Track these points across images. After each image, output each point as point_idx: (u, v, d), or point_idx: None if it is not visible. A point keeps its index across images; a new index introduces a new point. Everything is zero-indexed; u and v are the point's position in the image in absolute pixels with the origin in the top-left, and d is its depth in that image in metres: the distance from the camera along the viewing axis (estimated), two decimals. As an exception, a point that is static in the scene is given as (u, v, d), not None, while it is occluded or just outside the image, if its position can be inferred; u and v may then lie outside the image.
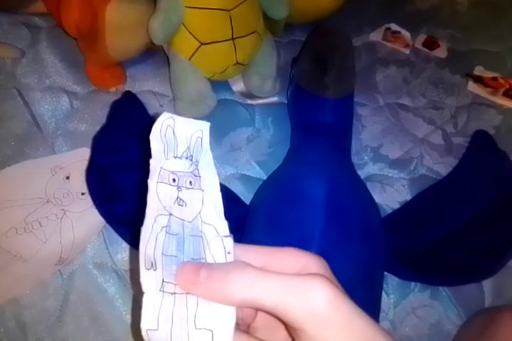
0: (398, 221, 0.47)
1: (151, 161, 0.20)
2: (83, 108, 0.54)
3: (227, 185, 0.49)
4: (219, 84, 0.57)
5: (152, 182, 0.20)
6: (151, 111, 0.53)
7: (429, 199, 0.49)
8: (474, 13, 0.75)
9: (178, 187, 0.21)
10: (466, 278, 0.44)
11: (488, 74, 0.64)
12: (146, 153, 0.46)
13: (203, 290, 0.18)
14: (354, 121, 0.55)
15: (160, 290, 0.18)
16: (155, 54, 0.59)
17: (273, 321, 0.21)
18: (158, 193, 0.20)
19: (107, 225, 0.45)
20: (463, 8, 0.76)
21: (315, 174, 0.41)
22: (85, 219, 0.46)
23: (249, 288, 0.18)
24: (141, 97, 0.55)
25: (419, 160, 0.54)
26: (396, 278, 0.45)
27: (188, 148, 0.21)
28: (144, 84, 0.58)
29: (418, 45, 0.68)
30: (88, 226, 0.46)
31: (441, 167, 0.53)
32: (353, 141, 0.53)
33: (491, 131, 0.57)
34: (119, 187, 0.45)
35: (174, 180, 0.21)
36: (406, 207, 0.48)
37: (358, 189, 0.44)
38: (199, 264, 0.19)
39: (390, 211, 0.49)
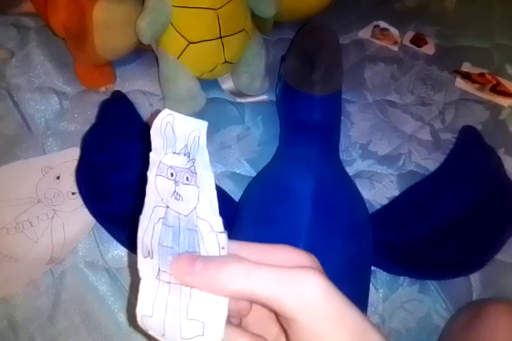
0: (387, 216, 0.47)
1: (151, 154, 0.21)
2: (73, 108, 0.54)
3: (218, 183, 0.49)
4: (208, 83, 0.57)
5: (151, 175, 0.21)
6: (140, 111, 0.54)
7: (418, 194, 0.50)
8: (462, 10, 0.75)
9: (176, 182, 0.21)
10: (454, 272, 0.45)
11: (476, 71, 0.65)
12: (136, 152, 0.46)
13: (198, 280, 0.18)
14: (343, 118, 0.55)
15: (156, 278, 0.19)
16: (144, 53, 0.59)
17: (265, 317, 0.21)
18: (157, 185, 0.21)
19: (98, 224, 0.45)
20: (450, 5, 0.77)
21: (302, 170, 0.41)
22: (76, 218, 0.46)
23: (244, 279, 0.18)
24: (130, 97, 0.55)
25: (408, 156, 0.55)
26: (385, 273, 0.45)
27: (186, 145, 0.22)
28: (133, 84, 0.58)
29: (406, 42, 0.68)
30: (79, 226, 0.46)
31: (430, 163, 0.54)
32: (342, 138, 0.54)
33: (479, 127, 0.57)
34: (109, 186, 0.45)
35: (172, 175, 0.21)
36: (394, 202, 0.49)
37: (345, 184, 0.44)
38: (194, 256, 0.19)
39: (378, 207, 0.50)
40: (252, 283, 0.18)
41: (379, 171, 0.53)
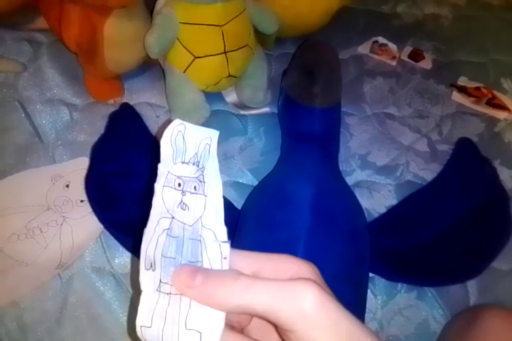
0: (385, 224, 0.49)
1: (159, 166, 0.21)
2: (82, 119, 0.56)
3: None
4: (213, 96, 0.59)
5: (158, 186, 0.21)
6: (147, 122, 0.56)
7: (415, 203, 0.51)
8: (458, 27, 0.78)
9: (183, 192, 0.21)
10: (451, 279, 0.46)
11: (472, 85, 0.67)
12: (142, 162, 0.48)
13: (197, 295, 0.19)
14: (342, 130, 0.57)
15: (157, 290, 0.20)
16: (151, 67, 0.62)
17: (266, 324, 0.22)
18: (163, 197, 0.21)
19: (105, 231, 0.47)
20: (447, 21, 0.79)
21: (302, 178, 0.43)
22: (84, 225, 0.48)
23: (241, 295, 0.18)
24: (138, 109, 0.57)
25: (405, 167, 0.56)
26: (383, 280, 0.46)
27: (196, 154, 0.22)
28: (141, 96, 0.60)
29: (404, 57, 0.71)
30: (87, 232, 0.47)
31: (427, 173, 0.56)
32: (342, 149, 0.56)
33: (475, 139, 0.59)
34: (117, 194, 0.47)
35: (180, 185, 0.21)
36: (392, 211, 0.50)
37: (344, 193, 0.46)
38: (195, 268, 0.20)
39: (377, 215, 0.51)
40: (250, 298, 0.18)
41: (377, 181, 0.55)
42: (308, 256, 0.37)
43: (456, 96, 0.65)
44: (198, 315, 0.19)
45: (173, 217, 0.21)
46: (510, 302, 0.45)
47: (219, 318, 0.19)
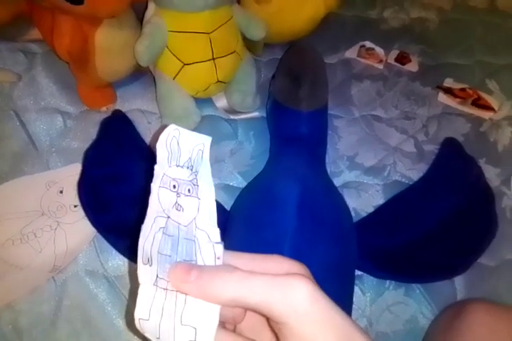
0: (372, 223, 0.50)
1: (156, 167, 0.22)
2: (76, 127, 0.58)
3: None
4: (203, 101, 0.61)
5: (155, 186, 0.22)
6: (139, 128, 0.57)
7: (402, 202, 0.52)
8: (444, 30, 0.80)
9: (178, 194, 0.22)
10: (438, 276, 0.47)
11: (457, 86, 0.68)
12: (133, 166, 0.49)
13: (193, 289, 0.20)
14: (331, 132, 0.59)
15: (154, 284, 0.20)
16: (143, 75, 0.63)
17: (259, 323, 0.23)
18: (159, 197, 0.22)
19: (98, 235, 0.48)
20: (433, 25, 0.81)
21: (289, 179, 0.44)
22: (78, 229, 0.49)
23: (235, 288, 0.19)
24: (130, 115, 0.58)
25: (393, 167, 0.57)
26: (371, 277, 0.47)
27: (190, 158, 0.22)
28: (133, 103, 0.62)
29: (391, 60, 0.72)
30: (80, 236, 0.48)
31: (414, 173, 0.57)
32: (330, 151, 0.57)
33: (460, 139, 0.60)
34: (109, 198, 0.48)
35: (174, 187, 0.22)
36: (380, 210, 0.51)
37: (330, 193, 0.47)
38: (190, 265, 0.20)
39: (365, 215, 0.52)
40: (244, 290, 0.19)
41: (365, 181, 0.56)
42: (294, 255, 0.38)
43: (442, 98, 0.67)
44: (193, 311, 0.20)
45: (168, 217, 0.22)
46: (497, 298, 0.46)
47: (213, 314, 0.20)
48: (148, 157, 0.52)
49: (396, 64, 0.72)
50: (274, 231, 0.40)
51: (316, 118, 0.52)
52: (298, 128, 0.51)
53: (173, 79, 0.56)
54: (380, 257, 0.46)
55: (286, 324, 0.19)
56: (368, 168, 0.57)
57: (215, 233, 0.22)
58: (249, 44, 0.63)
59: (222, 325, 0.22)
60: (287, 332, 0.19)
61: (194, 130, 0.22)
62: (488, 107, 0.66)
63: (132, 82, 0.64)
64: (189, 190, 0.22)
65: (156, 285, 0.20)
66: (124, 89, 0.63)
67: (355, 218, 0.51)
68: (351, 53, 0.73)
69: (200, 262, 0.21)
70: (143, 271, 0.20)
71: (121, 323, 0.44)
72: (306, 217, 0.41)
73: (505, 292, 0.48)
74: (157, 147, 0.22)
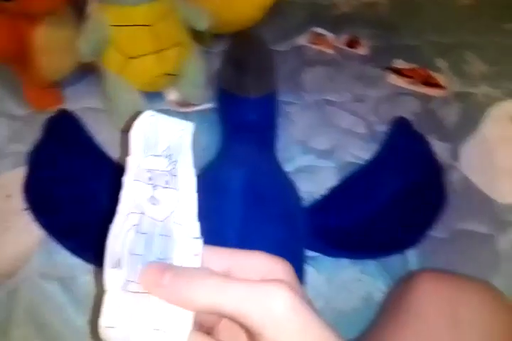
0: (326, 204, 0.50)
1: (129, 159, 0.20)
2: (23, 130, 0.57)
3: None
4: (154, 95, 0.60)
5: (127, 180, 0.20)
6: (90, 127, 0.56)
7: (355, 182, 0.53)
8: (393, 13, 0.81)
9: (154, 186, 0.20)
10: (391, 250, 0.48)
11: (407, 66, 0.70)
12: (83, 166, 0.49)
13: (165, 293, 0.18)
14: (283, 118, 0.59)
15: (123, 289, 0.19)
16: (92, 73, 0.62)
17: (237, 325, 0.21)
18: (133, 191, 0.20)
19: (49, 236, 0.47)
20: (383, 8, 0.82)
21: (235, 166, 0.44)
22: (28, 232, 0.48)
23: (209, 295, 0.18)
24: (80, 114, 0.57)
25: (346, 149, 0.58)
26: (327, 257, 0.48)
27: (169, 147, 0.21)
28: (82, 102, 0.61)
29: (341, 45, 0.73)
30: (31, 240, 0.47)
31: (366, 153, 0.58)
32: (283, 137, 0.57)
33: (411, 117, 0.61)
34: (58, 200, 0.47)
35: (150, 178, 0.20)
36: (332, 191, 0.52)
37: (278, 177, 0.47)
38: (164, 266, 0.19)
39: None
40: (220, 299, 0.18)
41: (319, 165, 0.56)
42: (242, 240, 0.39)
43: (392, 79, 0.68)
44: (166, 315, 0.19)
45: (142, 212, 0.20)
46: (449, 270, 0.47)
47: (187, 319, 0.19)
48: (98, 156, 0.52)
49: (347, 48, 0.73)
50: (223, 218, 0.40)
51: (263, 105, 0.52)
52: (246, 115, 0.51)
53: (118, 74, 0.55)
54: (335, 237, 0.47)
55: (263, 334, 0.18)
56: (321, 151, 0.58)
57: (195, 227, 0.20)
58: (197, 35, 0.62)
59: (198, 326, 0.21)
60: (265, 338, 0.18)
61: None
62: (437, 85, 0.67)
63: (81, 80, 0.63)
64: (167, 182, 0.21)
65: (126, 290, 0.19)
66: (72, 88, 0.62)
67: (311, 201, 0.51)
68: (303, 40, 0.74)
69: (176, 260, 0.20)
70: (110, 275, 0.19)
71: (79, 325, 0.44)
72: (252, 202, 0.41)
73: (458, 263, 0.49)
74: (131, 136, 0.21)
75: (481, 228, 0.52)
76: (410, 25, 0.79)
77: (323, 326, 0.18)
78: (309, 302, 0.19)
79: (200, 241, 0.20)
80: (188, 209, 0.21)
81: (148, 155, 0.21)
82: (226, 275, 0.19)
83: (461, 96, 0.66)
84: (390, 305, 0.41)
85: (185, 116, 0.60)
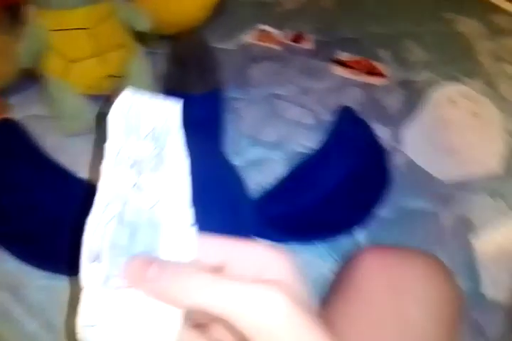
0: (275, 194, 0.52)
1: (107, 145, 0.19)
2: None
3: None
4: (100, 98, 0.60)
5: (106, 167, 0.18)
6: (38, 135, 0.56)
7: (303, 170, 0.54)
8: (337, 8, 0.83)
9: (138, 172, 0.19)
10: (338, 230, 0.50)
11: (351, 58, 0.72)
12: (27, 174, 0.48)
13: (149, 289, 0.17)
14: (232, 114, 0.60)
15: (104, 285, 0.17)
16: (38, 80, 0.62)
17: None
18: (113, 179, 0.18)
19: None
20: (326, 4, 0.84)
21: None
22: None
23: (197, 295, 0.16)
24: (27, 122, 0.57)
25: (294, 140, 0.60)
26: (279, 243, 0.49)
27: (154, 129, 0.19)
28: (29, 110, 0.60)
29: (287, 41, 0.75)
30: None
31: (314, 143, 0.59)
32: (232, 131, 0.58)
33: (356, 106, 0.64)
34: (5, 209, 0.47)
35: (133, 165, 0.19)
36: (281, 181, 0.53)
37: (222, 171, 0.49)
38: (150, 259, 0.18)
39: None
40: (208, 298, 0.16)
41: (268, 156, 0.58)
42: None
43: (337, 70, 0.70)
44: (152, 312, 0.17)
45: (125, 201, 0.18)
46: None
47: (176, 316, 0.17)
48: (44, 164, 0.52)
49: (292, 44, 0.74)
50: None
51: (207, 101, 0.53)
52: (190, 112, 0.51)
53: (60, 78, 0.55)
54: (284, 223, 0.48)
55: (253, 339, 0.16)
56: (269, 143, 0.59)
57: (187, 215, 0.19)
58: (141, 36, 0.63)
59: (191, 320, 0.19)
60: None
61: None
62: (379, 74, 0.70)
63: (27, 88, 0.62)
64: (153, 167, 0.19)
65: (106, 286, 0.17)
66: (17, 97, 0.61)
67: (262, 192, 0.52)
68: (249, 38, 0.75)
69: (166, 252, 0.18)
70: (88, 271, 0.17)
71: (31, 331, 0.43)
72: (194, 195, 0.42)
73: (404, 239, 0.51)
74: (109, 119, 0.19)
75: (426, 205, 0.55)
76: (352, 18, 0.82)
77: (318, 335, 0.17)
78: (305, 303, 0.17)
79: (194, 230, 0.18)
80: (179, 196, 0.19)
81: (131, 140, 0.19)
82: (218, 270, 0.18)
83: (403, 84, 0.69)
84: (337, 284, 0.42)
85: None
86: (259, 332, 0.16)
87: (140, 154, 0.19)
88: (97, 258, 0.17)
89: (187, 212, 0.19)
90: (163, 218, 0.18)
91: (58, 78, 0.55)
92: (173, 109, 0.20)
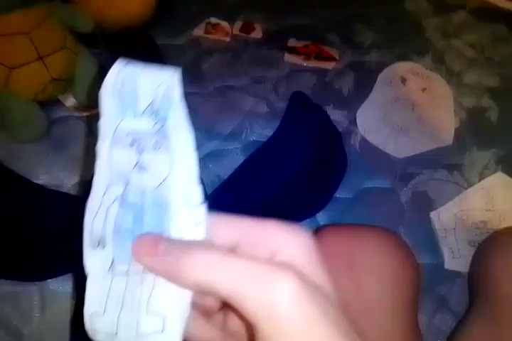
0: (232, 185, 0.52)
1: (101, 123, 0.18)
2: None
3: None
4: (52, 104, 0.59)
5: (103, 147, 0.17)
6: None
7: (258, 159, 0.55)
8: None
9: (139, 150, 0.18)
10: (301, 215, 0.50)
11: (301, 44, 0.72)
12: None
13: (157, 264, 0.17)
14: (186, 109, 0.60)
15: (109, 271, 0.17)
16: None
17: None
18: (111, 159, 0.17)
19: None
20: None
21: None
22: None
23: (205, 271, 0.16)
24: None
25: (249, 129, 0.60)
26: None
27: (153, 102, 0.18)
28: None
29: (236, 31, 0.75)
30: None
31: (269, 131, 0.60)
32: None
33: (308, 91, 0.64)
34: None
35: (133, 143, 0.18)
36: (237, 171, 0.54)
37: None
38: (159, 236, 0.17)
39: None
40: (215, 276, 0.16)
41: (225, 148, 0.58)
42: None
43: (288, 57, 0.70)
44: (161, 297, 0.16)
45: (127, 183, 0.17)
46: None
47: (185, 302, 0.17)
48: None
49: (241, 34, 0.74)
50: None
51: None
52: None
53: (4, 86, 0.54)
54: (244, 212, 0.48)
55: (260, 329, 0.15)
56: (225, 134, 0.59)
57: (195, 193, 0.18)
58: (84, 38, 0.62)
59: (203, 312, 0.19)
60: (260, 338, 0.15)
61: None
62: (330, 58, 0.70)
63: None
64: (155, 144, 0.18)
65: (113, 272, 0.17)
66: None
67: (220, 183, 0.53)
68: (198, 31, 0.75)
69: (175, 233, 0.17)
70: (92, 257, 0.17)
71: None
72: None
73: (365, 218, 0.52)
74: (102, 94, 0.18)
75: (383, 183, 0.56)
76: (300, 5, 0.82)
77: (332, 327, 0.16)
78: (319, 287, 0.16)
79: (203, 208, 0.18)
80: (187, 172, 0.18)
81: (128, 116, 0.18)
82: (231, 251, 0.17)
83: (354, 66, 0.70)
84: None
85: (87, 119, 0.60)
86: (264, 318, 0.15)
87: (140, 131, 0.18)
88: (99, 243, 0.17)
89: (196, 190, 0.18)
90: (170, 198, 0.18)
91: (2, 86, 0.54)
92: (171, 77, 0.18)
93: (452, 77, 0.72)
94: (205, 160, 0.56)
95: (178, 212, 0.17)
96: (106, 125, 0.18)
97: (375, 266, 0.38)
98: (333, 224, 0.43)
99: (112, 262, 0.17)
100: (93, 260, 0.17)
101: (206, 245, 0.17)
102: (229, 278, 0.15)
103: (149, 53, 0.54)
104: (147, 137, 0.18)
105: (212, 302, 0.19)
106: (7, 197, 0.48)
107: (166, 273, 0.17)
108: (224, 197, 0.49)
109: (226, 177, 0.54)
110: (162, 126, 0.18)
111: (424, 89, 0.68)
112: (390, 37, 0.76)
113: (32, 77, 0.54)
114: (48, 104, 0.59)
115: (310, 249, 0.17)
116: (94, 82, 0.60)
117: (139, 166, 0.18)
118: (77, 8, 0.59)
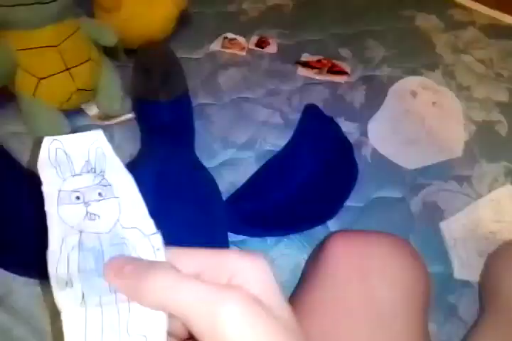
0: (246, 191, 0.54)
1: (44, 188, 0.20)
2: None
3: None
4: (76, 113, 0.62)
5: (51, 208, 0.20)
6: (16, 152, 0.57)
7: (272, 167, 0.57)
8: (298, 12, 0.87)
9: (86, 203, 0.20)
10: (313, 222, 0.52)
11: (314, 58, 0.75)
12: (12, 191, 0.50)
13: (123, 286, 0.18)
14: (203, 119, 0.62)
15: (81, 305, 0.18)
16: (11, 99, 0.64)
17: None
18: (61, 216, 0.20)
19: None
20: (288, 9, 0.88)
21: (148, 165, 0.47)
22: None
23: (161, 293, 0.16)
24: (3, 140, 0.59)
25: (263, 139, 0.62)
26: (254, 238, 0.51)
27: (88, 161, 0.20)
28: (6, 127, 0.62)
29: (252, 46, 0.78)
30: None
31: (282, 141, 0.62)
32: (204, 135, 0.61)
33: (321, 104, 0.66)
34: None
35: (78, 198, 0.20)
36: (251, 179, 0.56)
37: (192, 172, 0.51)
38: (130, 258, 0.18)
39: (241, 186, 0.56)
40: (170, 298, 0.16)
41: (240, 157, 0.60)
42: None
43: (301, 71, 0.73)
44: (140, 319, 0.18)
45: (81, 232, 0.20)
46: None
47: (161, 319, 0.18)
48: (26, 180, 0.53)
49: (257, 49, 0.77)
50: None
51: (176, 107, 0.55)
52: (159, 117, 0.54)
53: (33, 95, 0.57)
54: (257, 219, 0.50)
55: None
56: (240, 144, 0.62)
57: (149, 224, 0.20)
58: (109, 51, 0.65)
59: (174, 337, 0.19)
60: None
61: None
62: (342, 72, 0.73)
63: (4, 106, 0.64)
64: (100, 194, 0.20)
65: (85, 304, 0.18)
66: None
67: (234, 191, 0.54)
68: (215, 46, 0.78)
69: None
70: (62, 296, 0.18)
71: (19, 336, 0.44)
72: (165, 196, 0.44)
73: (376, 227, 0.53)
74: (38, 167, 0.20)
75: (394, 193, 0.57)
76: (313, 21, 0.85)
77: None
78: (273, 311, 0.16)
79: (159, 236, 0.20)
80: (136, 209, 0.20)
81: (68, 177, 0.20)
82: (183, 274, 0.18)
83: (365, 80, 0.72)
84: (308, 271, 0.44)
85: (108, 129, 0.62)
86: (211, 338, 0.15)
87: (82, 187, 0.20)
88: (68, 283, 0.18)
89: (148, 222, 0.20)
90: (126, 235, 0.20)
91: (30, 95, 0.57)
92: (97, 137, 0.21)
93: (462, 91, 0.73)
94: (220, 168, 0.58)
95: (136, 245, 0.19)
96: (49, 189, 0.20)
97: (386, 269, 0.38)
98: (345, 230, 0.44)
99: (83, 296, 0.18)
100: (64, 298, 0.18)
101: (164, 267, 0.18)
102: (182, 300, 0.16)
103: (170, 66, 0.57)
104: (90, 190, 0.20)
105: (179, 325, 0.18)
106: (33, 204, 0.50)
107: (130, 295, 0.18)
108: (237, 204, 0.51)
109: (240, 185, 0.56)
110: (102, 179, 0.20)
111: (434, 103, 0.69)
112: (401, 52, 0.78)
113: (58, 87, 0.58)
114: (72, 112, 0.62)
115: (265, 274, 0.18)
116: (115, 92, 0.63)
117: (89, 216, 0.20)
118: (102, 23, 0.63)
